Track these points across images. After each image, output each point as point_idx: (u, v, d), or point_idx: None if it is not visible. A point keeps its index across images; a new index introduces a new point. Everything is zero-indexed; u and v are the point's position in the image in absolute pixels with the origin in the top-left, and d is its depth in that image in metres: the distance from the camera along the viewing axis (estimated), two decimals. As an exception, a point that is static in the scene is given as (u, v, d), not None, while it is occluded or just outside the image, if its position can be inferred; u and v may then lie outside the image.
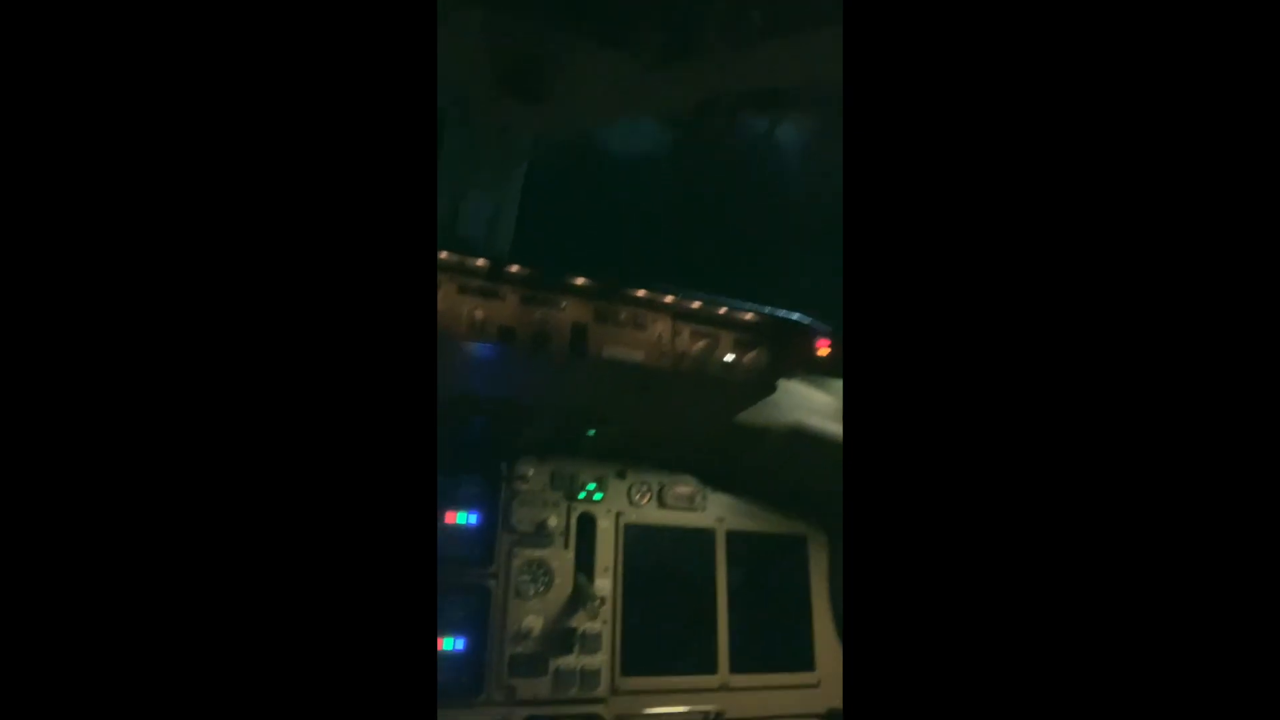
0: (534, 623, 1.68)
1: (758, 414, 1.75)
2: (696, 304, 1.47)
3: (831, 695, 1.95)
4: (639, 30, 1.14)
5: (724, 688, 1.85)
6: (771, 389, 1.57)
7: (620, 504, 1.90)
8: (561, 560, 1.78)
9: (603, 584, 1.80)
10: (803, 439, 1.81)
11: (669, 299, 1.45)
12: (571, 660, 1.71)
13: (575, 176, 2.03)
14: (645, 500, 1.93)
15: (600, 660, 1.73)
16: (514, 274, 1.34)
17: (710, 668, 1.86)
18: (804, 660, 1.98)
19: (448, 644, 1.60)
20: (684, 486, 1.98)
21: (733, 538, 2.00)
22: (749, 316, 1.52)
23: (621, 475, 1.92)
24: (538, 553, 1.76)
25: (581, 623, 1.74)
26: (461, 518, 1.71)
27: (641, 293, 1.42)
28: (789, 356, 1.56)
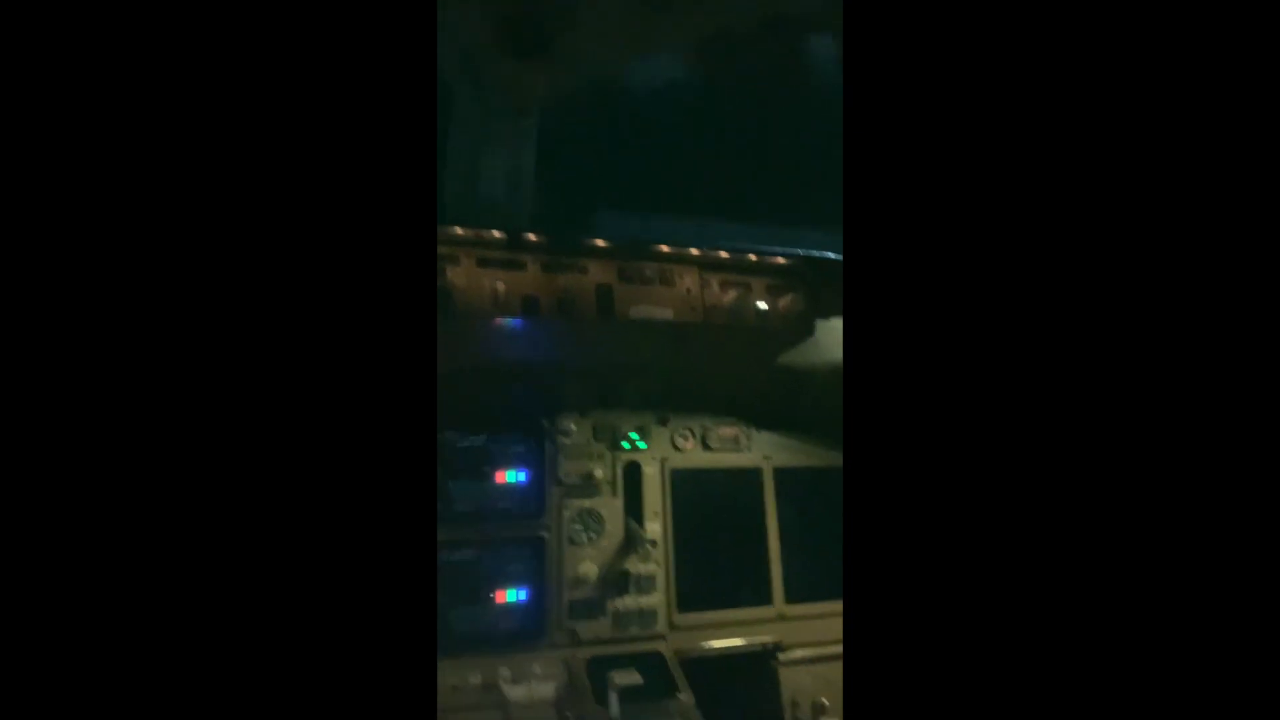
0: (589, 569, 1.75)
1: (799, 355, 1.71)
2: (724, 254, 1.42)
3: (887, 619, 1.99)
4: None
5: (780, 618, 1.90)
6: (810, 332, 1.53)
7: (665, 450, 1.92)
8: (611, 508, 1.83)
9: (653, 528, 1.85)
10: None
11: (695, 251, 1.40)
12: (629, 601, 1.78)
13: (596, 118, 1.94)
14: (689, 445, 1.94)
15: (656, 600, 1.80)
16: (533, 242, 1.32)
17: (766, 600, 1.91)
18: (858, 587, 2.01)
19: (510, 596, 1.69)
20: (728, 429, 1.98)
21: (781, 474, 2.00)
22: (780, 260, 1.46)
23: (663, 422, 1.93)
24: (587, 502, 1.81)
25: (635, 565, 1.80)
26: (511, 476, 1.76)
27: (665, 248, 1.38)
28: (825, 298, 1.50)
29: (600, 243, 1.33)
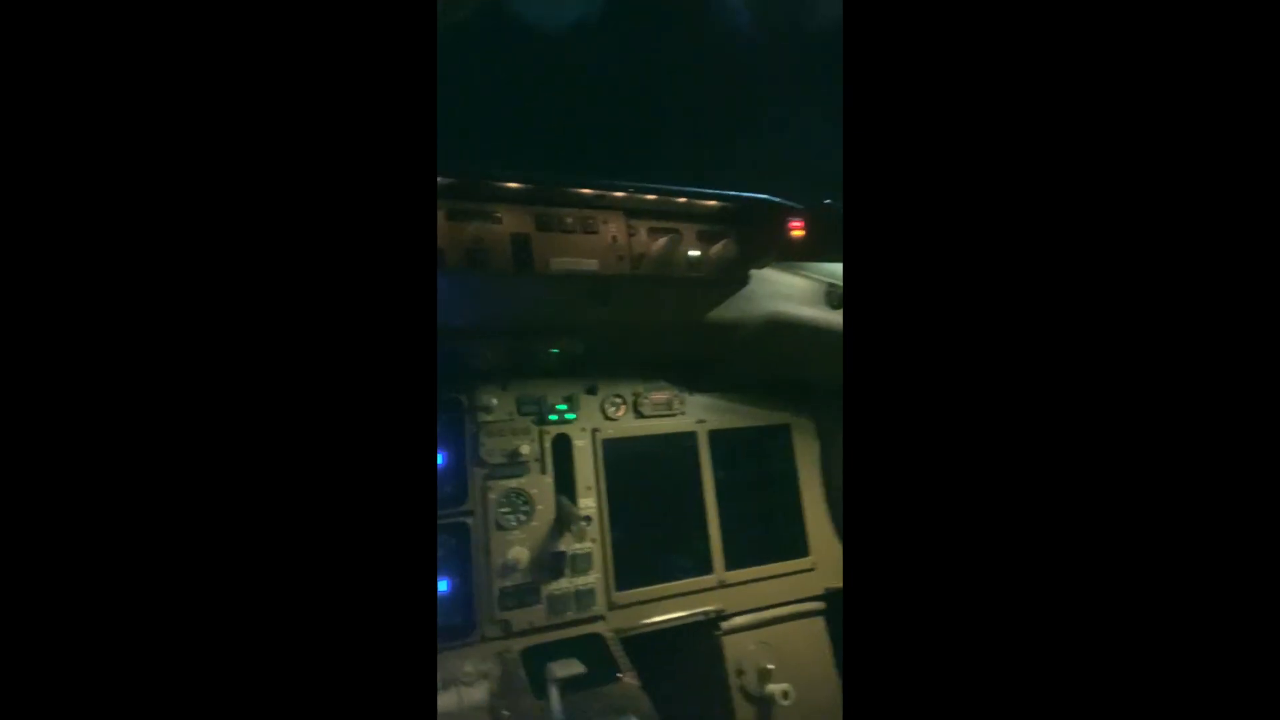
0: (520, 554, 1.61)
1: (731, 308, 1.61)
2: (651, 196, 1.29)
3: (827, 577, 1.96)
4: None
5: (721, 585, 1.84)
6: (744, 281, 1.43)
7: (595, 420, 1.80)
8: (540, 486, 1.69)
9: (586, 503, 1.73)
10: (780, 327, 1.70)
11: (619, 194, 1.27)
12: (564, 584, 1.66)
13: (494, 55, 1.75)
14: (621, 413, 1.83)
15: (594, 579, 1.69)
16: (437, 185, 1.14)
17: (706, 569, 1.83)
18: (798, 547, 1.97)
19: (432, 589, 1.53)
20: (660, 393, 1.87)
21: (715, 437, 1.93)
22: (711, 204, 1.35)
23: (593, 391, 1.80)
24: (514, 482, 1.66)
25: (570, 545, 1.68)
26: (426, 459, 1.58)
27: (587, 191, 1.24)
28: (760, 243, 1.40)
29: (514, 185, 1.17)
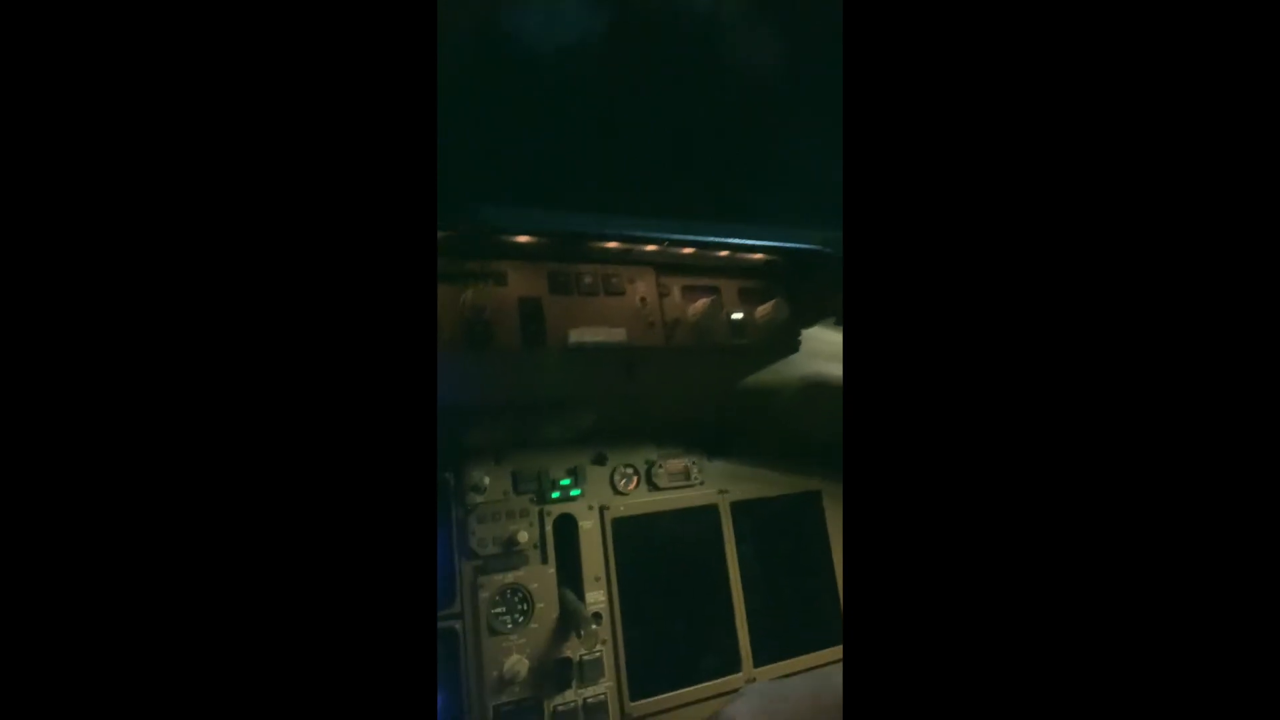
0: (518, 663, 1.35)
1: (766, 370, 1.38)
2: (687, 250, 1.05)
3: (865, 665, 1.72)
4: None
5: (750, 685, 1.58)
6: (795, 347, 1.19)
7: (603, 495, 1.54)
8: (541, 579, 1.43)
9: (595, 597, 1.47)
10: (819, 390, 1.47)
11: (649, 248, 1.02)
12: (570, 695, 1.40)
13: (489, 83, 1.49)
14: (633, 486, 1.57)
15: (604, 688, 1.43)
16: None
17: (733, 666, 1.58)
18: (833, 632, 1.73)
19: (413, 717, 1.25)
20: (676, 460, 1.62)
21: (739, 509, 1.68)
22: (757, 257, 1.11)
23: (601, 460, 1.55)
24: (510, 576, 1.40)
25: (576, 650, 1.42)
26: (405, 556, 1.31)
27: (612, 244, 0.99)
28: (814, 304, 1.17)
29: (523, 239, 0.92)
